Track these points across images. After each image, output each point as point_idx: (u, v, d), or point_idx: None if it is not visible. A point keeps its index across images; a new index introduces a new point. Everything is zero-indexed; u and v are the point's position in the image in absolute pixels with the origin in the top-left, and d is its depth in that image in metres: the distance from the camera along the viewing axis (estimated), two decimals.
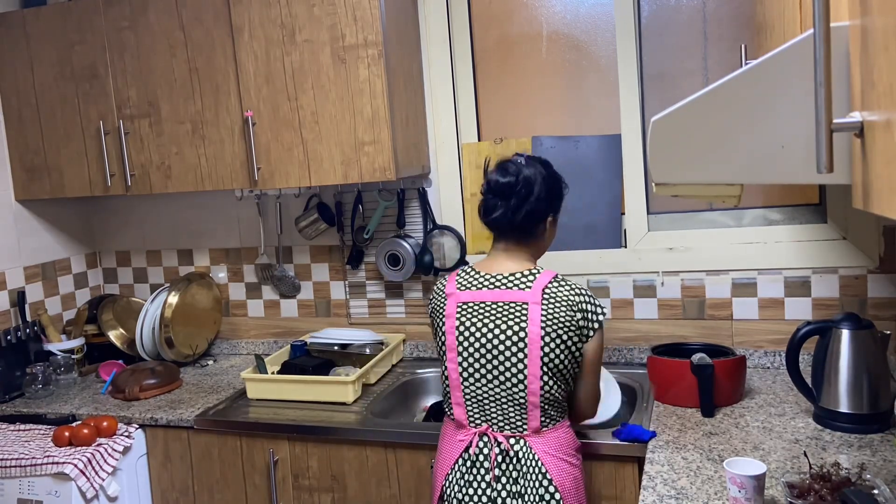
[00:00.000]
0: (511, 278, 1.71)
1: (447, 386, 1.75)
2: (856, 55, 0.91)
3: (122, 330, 2.89)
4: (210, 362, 2.89)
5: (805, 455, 1.58)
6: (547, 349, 1.64)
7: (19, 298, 2.74)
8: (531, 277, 1.70)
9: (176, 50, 2.47)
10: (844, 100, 0.96)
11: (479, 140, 2.64)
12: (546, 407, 1.67)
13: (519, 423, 1.68)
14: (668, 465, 1.68)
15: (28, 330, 2.69)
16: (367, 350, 2.55)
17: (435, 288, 1.83)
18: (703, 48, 2.38)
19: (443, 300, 1.77)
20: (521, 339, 1.65)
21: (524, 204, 1.70)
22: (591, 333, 1.69)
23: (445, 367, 1.74)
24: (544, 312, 1.64)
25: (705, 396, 1.94)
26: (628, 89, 2.43)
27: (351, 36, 2.26)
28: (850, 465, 1.59)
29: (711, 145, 1.17)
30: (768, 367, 2.31)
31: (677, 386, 2.02)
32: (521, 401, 1.66)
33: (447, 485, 1.73)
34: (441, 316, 1.76)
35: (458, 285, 1.76)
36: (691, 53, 2.40)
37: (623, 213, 2.48)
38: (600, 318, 1.70)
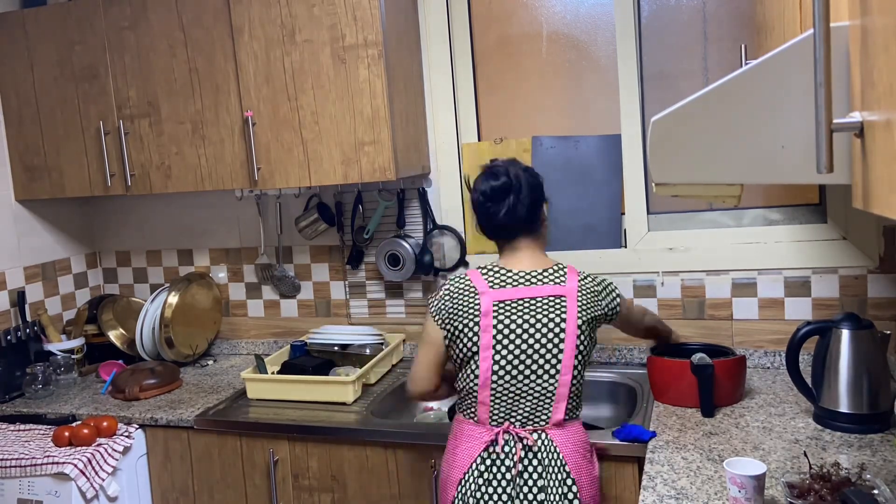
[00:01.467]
0: (544, 274, 1.75)
1: (474, 385, 1.72)
2: (856, 55, 0.91)
3: (122, 330, 2.89)
4: (210, 362, 2.89)
5: (805, 455, 1.58)
6: (582, 337, 1.71)
7: (19, 298, 2.74)
8: (562, 272, 1.76)
9: (176, 50, 2.47)
10: (844, 100, 0.96)
11: (479, 140, 2.64)
12: (571, 398, 1.72)
13: (542, 417, 1.70)
14: (668, 465, 1.68)
15: (28, 330, 2.69)
16: (367, 350, 2.55)
17: (451, 288, 1.77)
18: (703, 48, 2.38)
19: (472, 298, 1.72)
20: (561, 332, 1.70)
21: (523, 197, 1.75)
22: (618, 308, 1.85)
23: (476, 367, 1.71)
24: (580, 304, 1.72)
25: (705, 396, 1.94)
26: (628, 89, 2.43)
27: (351, 36, 2.26)
28: (850, 465, 1.59)
29: (711, 145, 1.17)
30: (768, 367, 2.31)
31: (677, 386, 2.02)
32: (550, 394, 1.70)
33: (463, 485, 1.71)
34: (471, 315, 1.71)
35: (490, 283, 1.73)
36: (691, 53, 2.40)
37: (623, 213, 2.48)
38: (619, 293, 1.86)
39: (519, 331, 1.69)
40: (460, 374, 1.76)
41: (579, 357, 1.71)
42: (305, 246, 2.84)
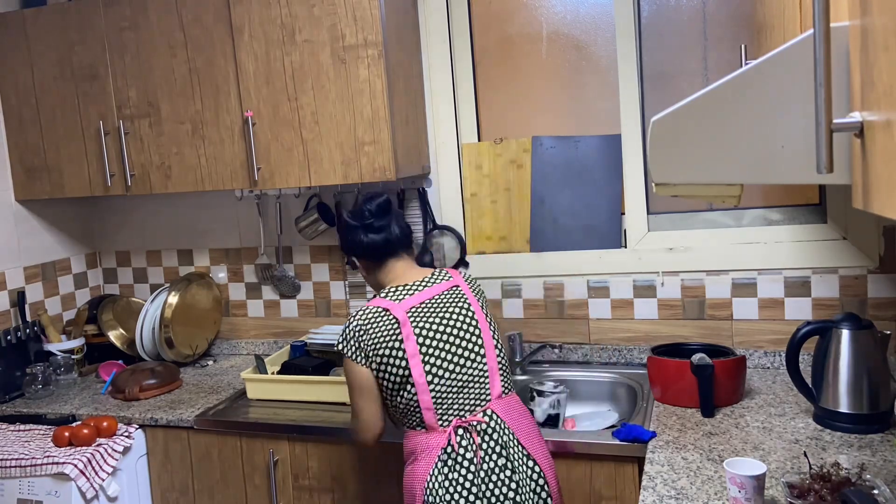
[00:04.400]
0: (432, 277, 1.86)
1: (413, 395, 1.71)
2: (856, 55, 0.91)
3: (122, 330, 2.89)
4: (210, 362, 2.89)
5: (805, 455, 1.58)
6: (488, 318, 1.84)
7: (19, 298, 2.74)
8: (445, 273, 1.88)
9: (176, 50, 2.47)
10: (844, 100, 0.96)
11: (479, 140, 2.64)
12: (503, 372, 1.81)
13: (483, 397, 1.75)
14: (668, 465, 1.68)
15: (28, 330, 2.69)
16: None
17: (360, 321, 1.74)
18: (703, 48, 2.38)
19: (386, 317, 1.73)
20: (472, 316, 1.80)
21: (394, 217, 1.88)
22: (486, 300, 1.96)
23: (408, 377, 1.70)
24: (473, 291, 1.86)
25: (705, 396, 1.94)
26: (628, 89, 2.43)
27: (351, 36, 2.26)
28: (850, 465, 1.59)
29: (711, 145, 1.17)
30: (768, 367, 2.31)
31: (677, 386, 2.02)
32: (483, 374, 1.77)
33: (429, 492, 1.68)
34: (391, 332, 1.71)
35: (394, 300, 1.77)
36: (691, 53, 2.40)
37: (623, 213, 2.48)
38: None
39: (436, 327, 1.75)
40: (396, 399, 1.74)
41: (494, 335, 1.82)
42: (305, 246, 2.84)
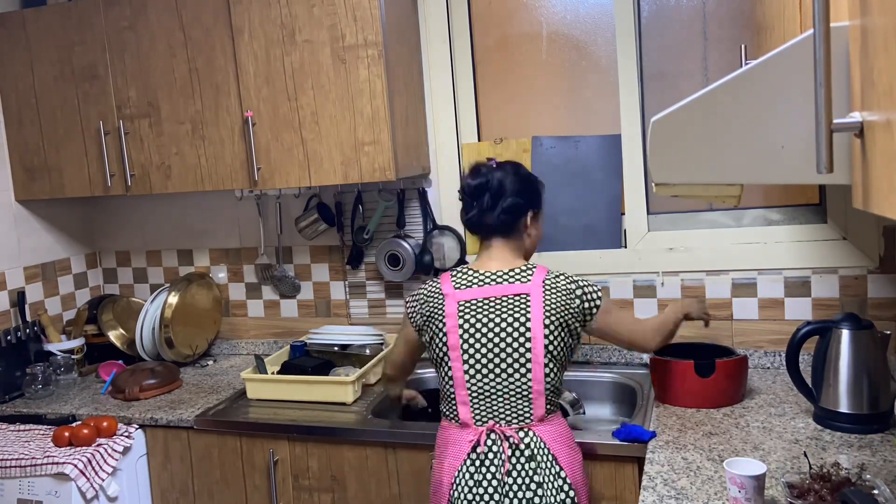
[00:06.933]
0: (510, 273, 1.76)
1: (450, 386, 1.75)
2: (856, 55, 0.91)
3: (122, 330, 2.89)
4: (210, 362, 2.89)
5: (805, 455, 1.58)
6: (550, 336, 1.70)
7: (19, 298, 2.74)
8: (529, 272, 1.76)
9: (176, 50, 2.47)
10: (844, 100, 0.96)
11: (479, 140, 2.64)
12: (549, 394, 1.71)
13: (525, 414, 1.70)
14: (668, 465, 1.68)
15: (28, 330, 2.69)
16: (367, 350, 2.55)
17: (423, 291, 1.82)
18: (703, 48, 2.38)
19: (439, 301, 1.77)
20: (527, 329, 1.69)
21: (499, 201, 1.77)
22: (595, 311, 1.78)
23: (448, 368, 1.74)
24: (546, 301, 1.71)
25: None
26: (628, 89, 2.43)
27: (351, 36, 2.26)
28: (850, 465, 1.59)
29: (711, 145, 1.17)
30: (768, 367, 2.31)
31: (677, 386, 2.02)
32: (527, 390, 1.69)
33: (455, 487, 1.71)
34: (438, 317, 1.75)
35: (455, 285, 1.77)
36: (691, 53, 2.40)
37: (623, 213, 2.48)
38: (598, 296, 1.79)
39: (484, 329, 1.71)
40: (438, 376, 1.80)
41: (549, 356, 1.69)
42: (305, 246, 2.84)
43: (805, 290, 2.27)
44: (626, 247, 2.47)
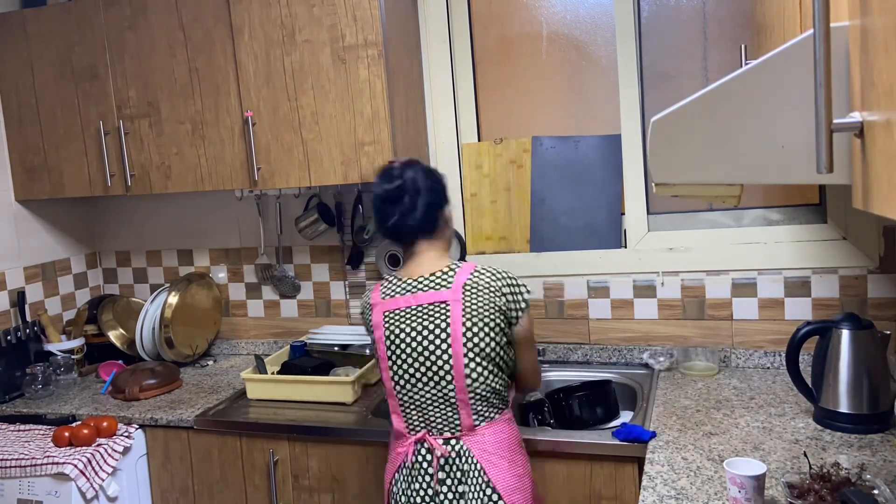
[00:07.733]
0: (431, 279, 1.73)
1: (385, 396, 1.79)
2: (856, 55, 0.91)
3: (122, 330, 2.89)
4: (210, 362, 2.89)
5: (805, 455, 1.58)
6: (475, 339, 1.66)
7: (19, 298, 2.74)
8: (450, 274, 1.72)
9: (176, 50, 2.47)
10: (844, 100, 0.96)
11: (479, 140, 2.64)
12: (476, 403, 1.68)
13: (454, 423, 1.70)
14: (668, 465, 1.68)
15: (28, 330, 2.69)
16: (367, 350, 2.55)
17: (363, 300, 1.82)
18: (703, 48, 2.38)
19: (369, 312, 1.78)
20: (446, 338, 1.67)
21: (417, 200, 1.72)
22: (520, 314, 1.73)
23: (380, 378, 1.78)
24: (465, 307, 1.67)
25: None
26: (628, 89, 2.43)
27: (351, 36, 2.26)
28: (850, 465, 1.59)
29: (711, 145, 1.17)
30: (768, 368, 2.31)
31: None
32: (452, 400, 1.69)
33: (393, 495, 1.77)
34: (370, 328, 1.77)
35: (382, 294, 1.77)
36: (691, 53, 2.40)
37: (623, 213, 2.48)
38: (525, 297, 1.73)
39: (408, 339, 1.70)
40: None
41: (472, 364, 1.65)
42: (305, 246, 2.84)
43: (805, 290, 2.27)
44: (626, 247, 2.47)
